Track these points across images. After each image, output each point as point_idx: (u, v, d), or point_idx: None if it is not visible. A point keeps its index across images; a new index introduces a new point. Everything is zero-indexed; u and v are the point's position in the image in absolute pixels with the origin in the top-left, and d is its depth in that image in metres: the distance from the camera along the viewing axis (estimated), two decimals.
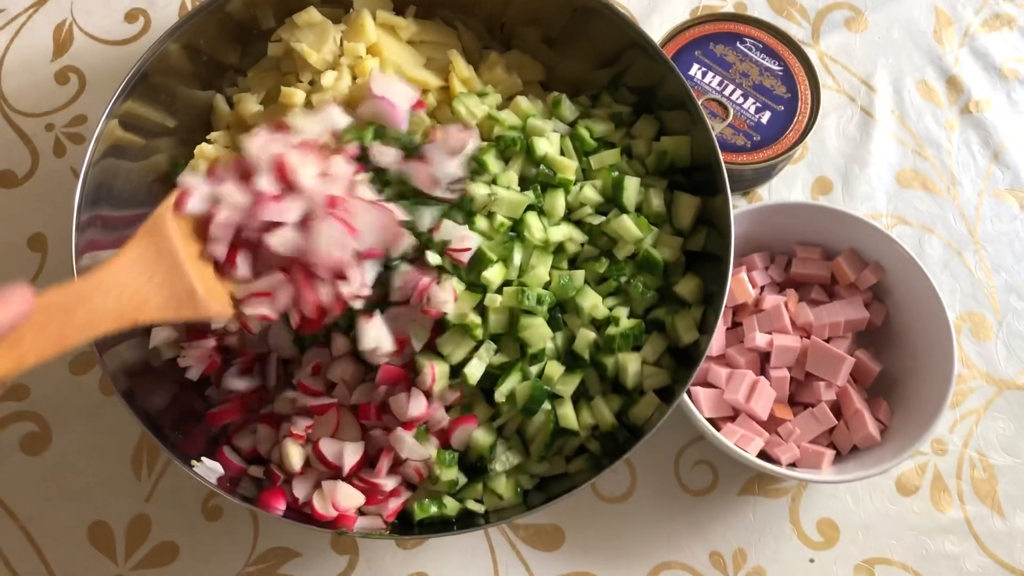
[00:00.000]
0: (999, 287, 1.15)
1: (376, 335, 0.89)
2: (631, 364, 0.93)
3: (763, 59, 1.14)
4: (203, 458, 0.90)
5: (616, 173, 0.98)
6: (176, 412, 0.95)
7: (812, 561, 1.03)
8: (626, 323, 0.94)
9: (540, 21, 1.09)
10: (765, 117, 1.11)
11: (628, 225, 0.95)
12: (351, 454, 0.90)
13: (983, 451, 1.08)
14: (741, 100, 1.12)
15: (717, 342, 1.03)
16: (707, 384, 1.02)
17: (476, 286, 0.92)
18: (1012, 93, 1.24)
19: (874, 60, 1.25)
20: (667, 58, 0.98)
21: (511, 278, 0.94)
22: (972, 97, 1.24)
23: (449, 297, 0.90)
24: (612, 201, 0.99)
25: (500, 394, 0.91)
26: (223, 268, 0.80)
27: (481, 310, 0.93)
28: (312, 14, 1.02)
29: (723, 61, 1.14)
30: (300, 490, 0.90)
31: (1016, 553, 1.04)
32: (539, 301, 0.91)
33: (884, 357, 1.05)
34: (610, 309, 0.95)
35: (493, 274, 0.92)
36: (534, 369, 0.93)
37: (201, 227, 0.79)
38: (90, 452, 1.06)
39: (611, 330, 0.93)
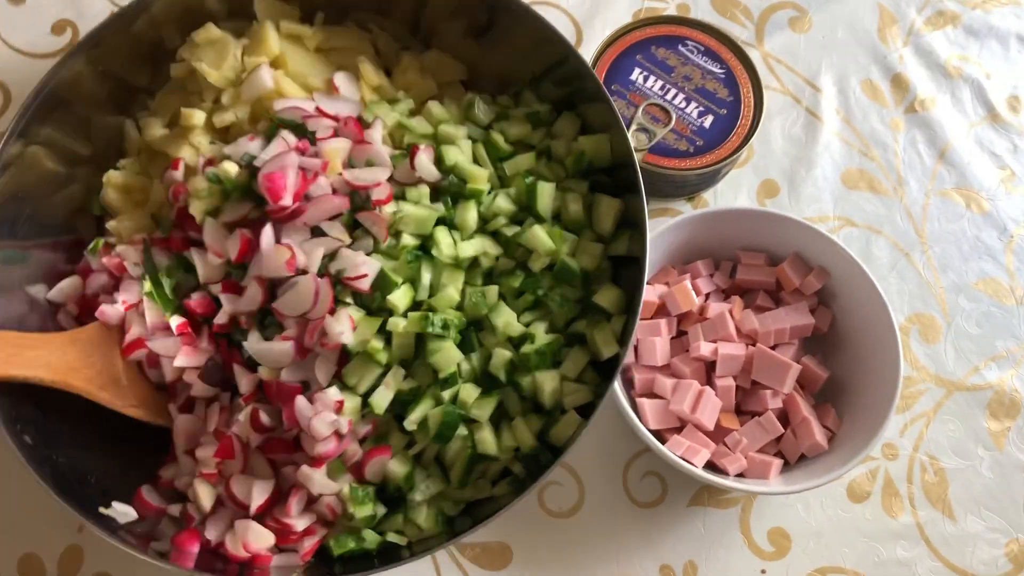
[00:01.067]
0: (947, 287, 1.14)
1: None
2: (548, 383, 0.90)
3: (705, 62, 1.12)
4: (114, 503, 0.87)
5: (530, 179, 0.95)
6: (86, 450, 0.92)
7: (764, 572, 1.02)
8: (542, 339, 0.91)
9: (462, 14, 1.05)
10: (708, 121, 1.10)
11: (540, 236, 0.91)
12: (259, 493, 0.87)
13: (933, 454, 1.07)
14: (683, 104, 1.10)
15: (662, 352, 1.01)
16: (652, 395, 1.01)
17: (384, 310, 0.89)
18: (957, 91, 1.23)
19: (819, 60, 1.24)
20: (574, 49, 0.96)
21: (421, 298, 0.91)
22: (917, 96, 1.23)
23: (345, 327, 0.86)
24: (527, 209, 0.96)
25: (411, 422, 0.88)
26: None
27: (386, 335, 0.89)
28: (211, 30, 0.98)
29: (665, 65, 1.12)
30: (212, 531, 0.87)
31: (967, 557, 1.03)
32: (445, 326, 0.88)
33: (831, 363, 1.04)
34: (527, 325, 0.92)
35: (398, 298, 0.88)
36: (447, 394, 0.89)
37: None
38: (18, 483, 1.02)
39: (526, 348, 0.90)
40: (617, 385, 0.92)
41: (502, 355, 0.90)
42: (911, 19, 1.27)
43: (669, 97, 1.11)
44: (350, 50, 1.04)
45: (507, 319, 0.90)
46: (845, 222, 1.16)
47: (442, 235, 0.91)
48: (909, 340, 1.12)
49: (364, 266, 0.87)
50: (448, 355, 0.88)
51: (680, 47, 1.13)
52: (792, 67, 1.24)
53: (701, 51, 1.13)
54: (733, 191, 1.17)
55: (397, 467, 0.89)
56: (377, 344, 0.87)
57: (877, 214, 1.17)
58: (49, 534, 1.01)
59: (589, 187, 0.99)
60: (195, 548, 0.86)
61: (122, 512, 0.86)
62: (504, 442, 0.91)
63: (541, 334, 0.91)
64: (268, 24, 0.99)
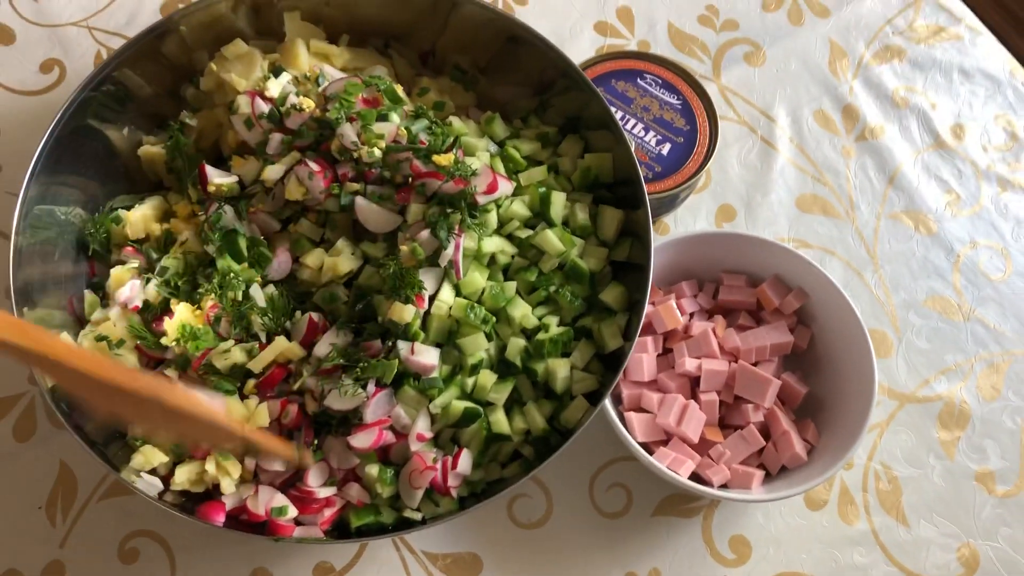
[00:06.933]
0: (898, 305, 1.20)
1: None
2: (560, 369, 0.97)
3: (662, 94, 1.19)
4: (143, 473, 0.92)
5: (543, 189, 1.03)
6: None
7: None
8: (555, 330, 0.98)
9: (471, 49, 1.14)
10: (666, 149, 1.15)
11: (552, 239, 0.99)
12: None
13: (887, 463, 1.12)
14: (642, 133, 1.16)
15: (649, 368, 1.06)
16: (640, 409, 1.05)
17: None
18: (904, 120, 1.30)
19: (773, 92, 1.31)
20: (591, 83, 1.04)
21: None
22: (867, 125, 1.29)
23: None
24: (540, 215, 1.03)
25: (435, 406, 0.95)
26: None
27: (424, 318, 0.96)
28: (239, 45, 1.05)
29: (625, 97, 1.19)
30: (232, 500, 0.93)
31: (921, 561, 1.07)
32: (485, 320, 0.96)
33: (811, 379, 1.09)
34: (540, 318, 1.00)
35: (446, 292, 0.96)
36: (471, 381, 0.96)
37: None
38: (1, 499, 1.05)
39: (541, 336, 0.97)
40: (607, 400, 0.97)
41: (517, 343, 0.98)
42: (860, 53, 1.34)
43: (629, 126, 1.17)
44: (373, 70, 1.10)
45: (524, 311, 0.98)
46: (800, 244, 1.22)
47: (467, 230, 0.98)
48: None
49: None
50: (477, 341, 0.96)
51: (639, 80, 1.20)
52: (748, 99, 1.30)
53: (659, 84, 1.19)
54: (692, 215, 1.23)
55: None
56: (418, 328, 0.95)
57: (830, 236, 1.23)
58: (32, 550, 1.03)
59: (592, 200, 1.07)
60: (220, 517, 0.92)
61: (151, 483, 0.91)
62: (516, 424, 0.97)
63: (554, 326, 0.99)
64: (299, 41, 1.06)
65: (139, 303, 0.97)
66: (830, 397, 1.07)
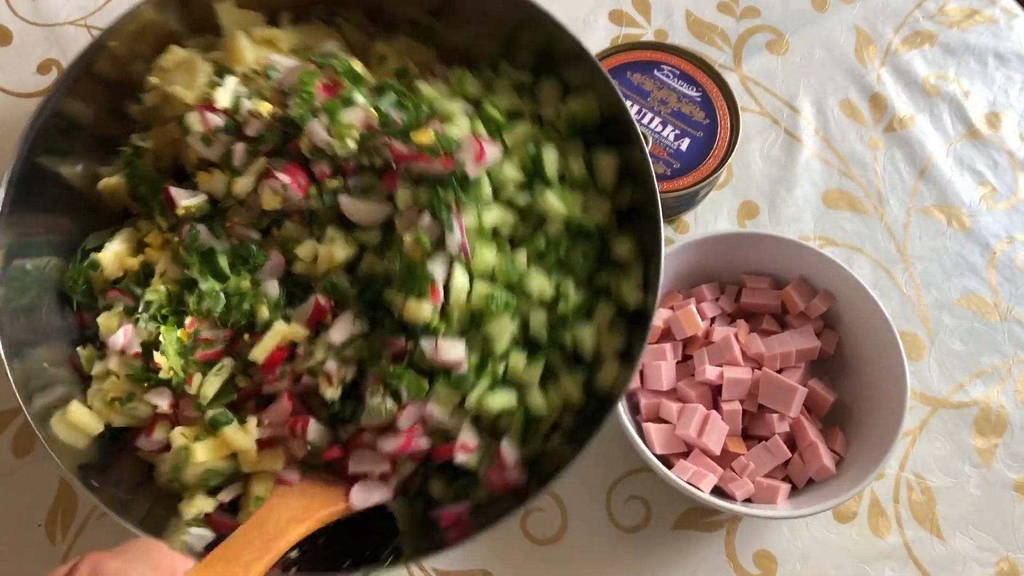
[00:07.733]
0: (930, 305, 1.14)
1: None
2: (586, 334, 0.92)
3: (681, 86, 1.13)
4: (191, 529, 0.88)
5: (533, 147, 0.94)
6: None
7: None
8: (575, 297, 0.93)
9: None
10: (684, 144, 1.10)
11: (553, 202, 0.92)
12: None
13: (920, 473, 1.06)
14: (660, 128, 1.11)
15: (667, 376, 1.01)
16: (658, 419, 1.00)
17: None
18: (935, 109, 1.24)
19: (796, 81, 1.25)
20: (549, 14, 0.94)
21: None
22: (896, 114, 1.23)
23: None
24: (535, 174, 0.95)
25: (471, 405, 0.89)
26: None
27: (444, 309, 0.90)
28: (175, 52, 0.97)
29: (640, 89, 1.13)
30: None
31: None
32: (507, 305, 0.90)
33: (838, 386, 1.04)
34: (557, 287, 0.93)
35: (459, 278, 0.89)
36: (502, 367, 0.91)
37: None
38: (1, 517, 1.02)
39: (562, 306, 0.92)
40: (622, 410, 0.93)
41: (539, 317, 0.92)
42: (888, 39, 1.28)
43: (645, 121, 1.12)
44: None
45: (541, 284, 0.92)
46: (826, 241, 1.16)
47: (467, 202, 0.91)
48: None
49: None
50: (503, 325, 0.90)
51: (656, 72, 1.14)
52: (770, 89, 1.24)
53: (677, 75, 1.14)
54: (713, 213, 1.18)
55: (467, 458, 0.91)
56: (438, 322, 0.89)
57: (858, 233, 1.17)
58: (31, 569, 1.00)
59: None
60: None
61: (200, 536, 0.88)
62: (551, 400, 0.92)
63: (572, 292, 0.93)
64: (239, 33, 0.98)
65: (138, 348, 0.92)
66: (859, 405, 1.01)
